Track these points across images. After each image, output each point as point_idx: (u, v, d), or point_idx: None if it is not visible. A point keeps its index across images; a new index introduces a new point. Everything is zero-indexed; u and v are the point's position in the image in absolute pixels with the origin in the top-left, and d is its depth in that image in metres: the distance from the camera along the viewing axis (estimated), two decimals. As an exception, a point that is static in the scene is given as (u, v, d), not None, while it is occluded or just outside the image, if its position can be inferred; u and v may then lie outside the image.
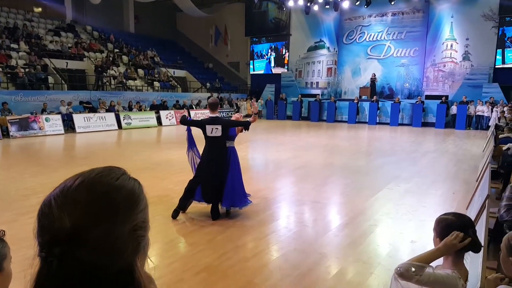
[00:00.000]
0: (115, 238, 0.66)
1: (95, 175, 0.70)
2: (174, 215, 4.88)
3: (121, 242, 0.67)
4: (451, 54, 19.88)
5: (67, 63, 18.41)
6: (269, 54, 25.98)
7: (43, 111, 14.64)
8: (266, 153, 10.73)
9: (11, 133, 13.00)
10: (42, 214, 0.67)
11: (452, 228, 1.69)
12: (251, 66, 26.70)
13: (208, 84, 24.68)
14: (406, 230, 4.63)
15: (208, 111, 5.18)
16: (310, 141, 12.92)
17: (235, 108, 23.20)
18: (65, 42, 20.06)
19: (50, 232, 0.64)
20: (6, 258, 1.23)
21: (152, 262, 0.75)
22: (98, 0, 20.13)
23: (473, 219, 3.54)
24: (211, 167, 4.84)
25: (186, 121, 5.12)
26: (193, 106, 21.04)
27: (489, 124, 16.25)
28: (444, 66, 20.10)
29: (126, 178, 0.73)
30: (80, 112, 15.74)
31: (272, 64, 25.81)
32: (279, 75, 24.79)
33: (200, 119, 5.21)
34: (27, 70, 16.26)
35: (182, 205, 4.93)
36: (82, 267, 0.63)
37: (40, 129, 13.84)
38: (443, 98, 18.41)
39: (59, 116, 14.68)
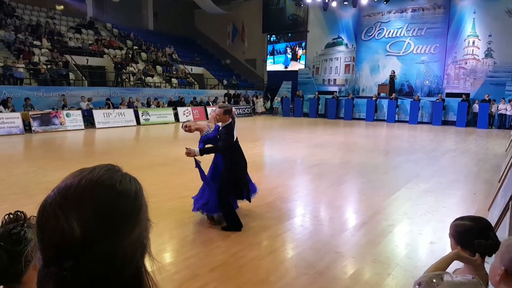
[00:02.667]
0: (126, 245, 0.65)
1: (97, 178, 0.66)
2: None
3: (132, 248, 0.66)
4: (473, 51, 19.37)
5: (87, 59, 18.75)
6: (287, 52, 25.80)
7: (64, 106, 14.96)
8: (282, 151, 10.69)
9: (33, 128, 13.33)
10: (46, 224, 0.62)
11: (473, 234, 1.63)
12: (271, 61, 26.41)
13: (225, 81, 24.75)
14: (425, 231, 4.54)
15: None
16: (327, 139, 12.82)
17: (251, 105, 23.23)
18: (85, 39, 20.42)
19: (59, 244, 0.60)
20: None
21: (158, 262, 0.73)
22: (118, -2, 20.43)
23: (495, 220, 3.45)
24: (245, 168, 4.73)
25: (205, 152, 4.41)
26: (210, 103, 21.15)
27: (512, 123, 15.83)
28: (466, 63, 19.61)
29: (128, 179, 0.70)
30: (100, 108, 16.02)
31: (290, 57, 25.61)
32: (295, 72, 24.65)
33: (228, 133, 4.50)
34: (49, 66, 16.63)
35: (239, 225, 4.50)
36: (96, 278, 0.61)
37: (61, 124, 14.15)
38: (464, 96, 17.98)
39: (79, 112, 14.98)
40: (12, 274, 1.00)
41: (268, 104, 24.08)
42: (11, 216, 1.07)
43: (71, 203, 0.62)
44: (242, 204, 5.01)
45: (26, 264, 1.08)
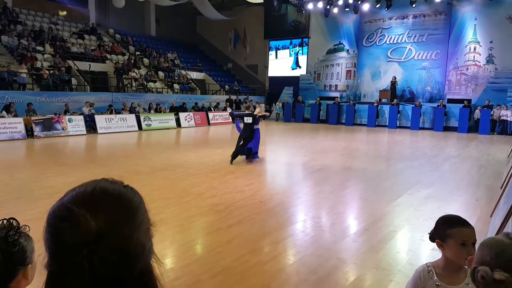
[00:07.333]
0: (136, 238, 0.69)
1: (103, 182, 0.73)
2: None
3: (141, 242, 0.70)
4: (474, 57, 19.41)
5: (90, 65, 18.84)
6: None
7: (66, 112, 15.00)
8: (283, 156, 10.69)
9: (35, 133, 13.37)
10: (62, 220, 0.67)
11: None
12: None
13: (226, 87, 24.82)
14: (427, 237, 4.46)
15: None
16: (328, 144, 12.81)
17: (252, 109, 23.17)
18: (88, 44, 20.54)
19: (75, 236, 0.65)
20: (34, 251, 1.30)
21: (162, 263, 0.77)
22: (122, 4, 20.56)
23: (498, 227, 3.43)
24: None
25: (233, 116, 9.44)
26: (212, 108, 21.19)
27: (514, 129, 15.80)
28: (467, 69, 19.64)
29: (127, 186, 0.77)
30: (102, 113, 16.07)
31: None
32: (297, 77, 24.71)
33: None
34: (51, 72, 16.71)
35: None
36: (109, 268, 0.65)
37: (63, 129, 14.19)
38: (465, 102, 17.98)
39: (81, 117, 15.02)
40: (1, 276, 1.08)
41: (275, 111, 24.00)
42: (5, 222, 1.16)
43: (85, 201, 0.69)
44: (243, 210, 5.02)
45: (16, 268, 1.13)
